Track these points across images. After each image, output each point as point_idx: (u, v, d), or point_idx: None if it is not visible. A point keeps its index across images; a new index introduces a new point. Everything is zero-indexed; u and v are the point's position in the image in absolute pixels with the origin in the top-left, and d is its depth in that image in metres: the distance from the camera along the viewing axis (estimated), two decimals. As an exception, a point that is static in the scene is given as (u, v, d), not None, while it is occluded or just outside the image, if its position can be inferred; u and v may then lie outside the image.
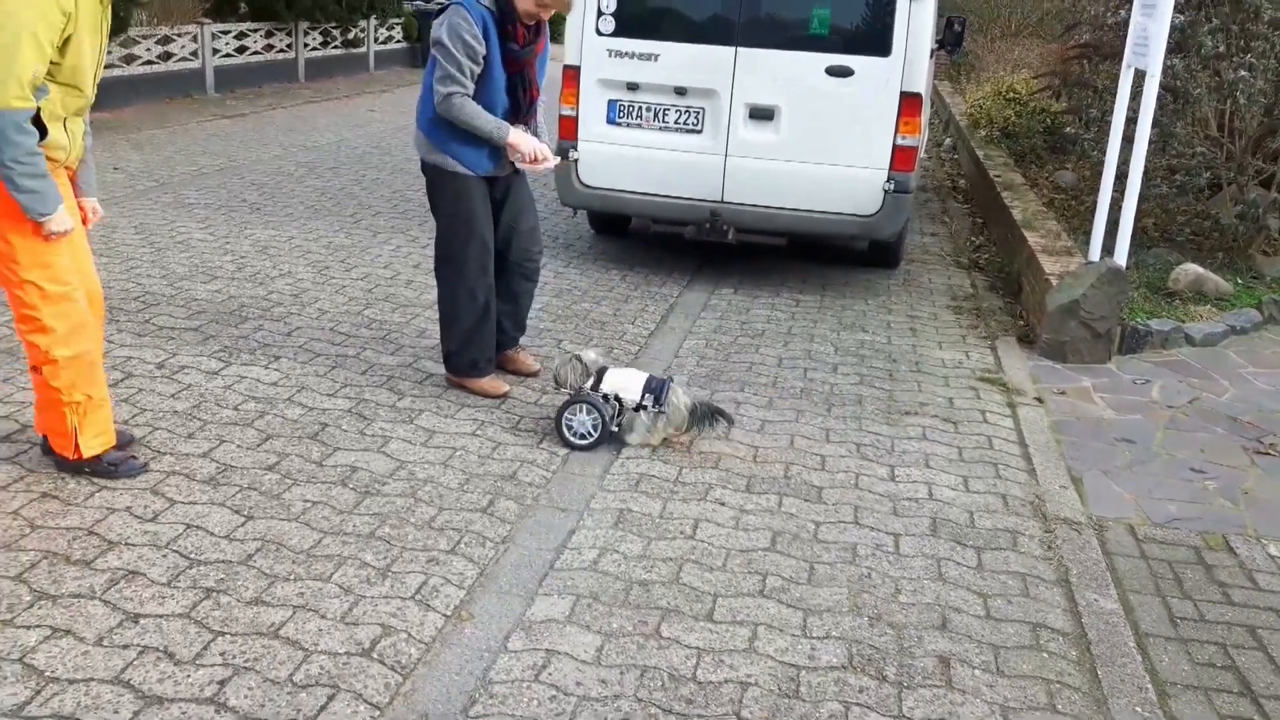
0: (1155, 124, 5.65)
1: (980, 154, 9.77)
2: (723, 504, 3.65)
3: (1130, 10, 5.70)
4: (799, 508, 3.66)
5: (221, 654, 2.65)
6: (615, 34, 6.05)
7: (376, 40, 18.85)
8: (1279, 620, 3.18)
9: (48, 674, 2.53)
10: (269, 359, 4.68)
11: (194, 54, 13.78)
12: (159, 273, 5.89)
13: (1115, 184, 5.67)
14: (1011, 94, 11.06)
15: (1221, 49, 6.53)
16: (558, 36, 6.77)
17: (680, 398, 3.95)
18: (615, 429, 4.00)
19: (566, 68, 6.14)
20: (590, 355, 4.08)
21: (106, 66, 3.54)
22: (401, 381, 4.54)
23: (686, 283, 6.44)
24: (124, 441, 3.65)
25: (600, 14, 6.04)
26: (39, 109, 3.03)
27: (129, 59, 12.51)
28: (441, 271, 4.39)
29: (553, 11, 4.10)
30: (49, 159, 3.12)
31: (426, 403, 4.33)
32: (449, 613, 2.91)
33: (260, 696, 2.51)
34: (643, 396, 3.94)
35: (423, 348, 4.95)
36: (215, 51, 14.17)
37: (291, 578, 3.00)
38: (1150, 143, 5.48)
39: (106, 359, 4.21)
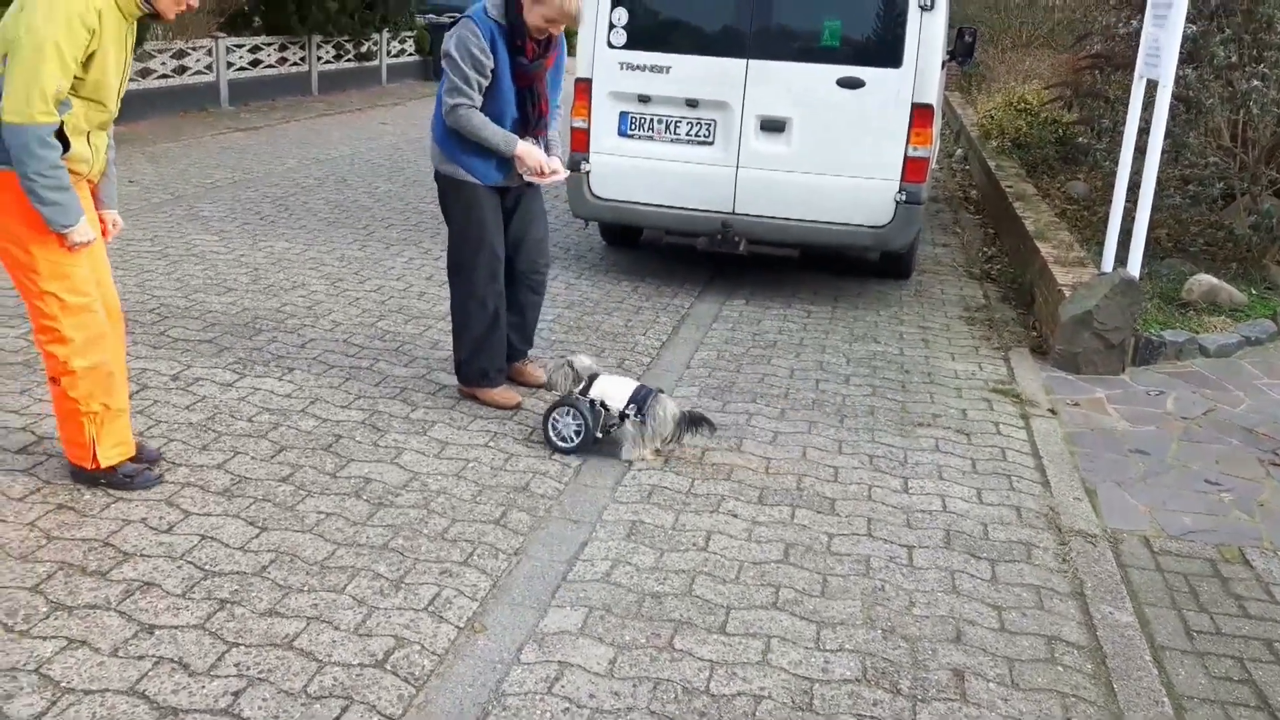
0: (1168, 134, 5.64)
1: (992, 164, 9.76)
2: (735, 516, 3.65)
3: (1142, 21, 5.71)
4: (812, 519, 3.65)
5: (236, 665, 2.66)
6: (627, 47, 6.08)
7: (389, 53, 18.99)
8: (1296, 633, 3.16)
9: (64, 685, 2.54)
10: (283, 371, 4.71)
11: (208, 68, 13.90)
12: (174, 285, 5.92)
13: (1128, 194, 5.66)
14: (1023, 104, 11.07)
15: (1234, 59, 6.53)
16: (574, 50, 6.79)
17: (668, 408, 3.95)
18: (599, 436, 4.01)
19: (578, 80, 6.17)
20: (583, 361, 4.10)
21: (122, 81, 3.58)
22: (415, 393, 4.56)
23: (698, 294, 6.45)
24: (152, 458, 3.67)
25: (612, 27, 6.07)
26: (62, 123, 3.07)
27: (144, 73, 12.62)
28: (453, 279, 4.43)
29: (562, 27, 4.12)
30: (72, 172, 3.15)
31: (439, 414, 4.35)
32: (462, 624, 2.92)
33: (274, 708, 2.52)
34: (626, 405, 3.96)
35: (436, 359, 4.96)
36: (229, 65, 14.29)
37: (305, 589, 3.02)
38: (1163, 153, 5.47)
39: (122, 371, 4.24)
